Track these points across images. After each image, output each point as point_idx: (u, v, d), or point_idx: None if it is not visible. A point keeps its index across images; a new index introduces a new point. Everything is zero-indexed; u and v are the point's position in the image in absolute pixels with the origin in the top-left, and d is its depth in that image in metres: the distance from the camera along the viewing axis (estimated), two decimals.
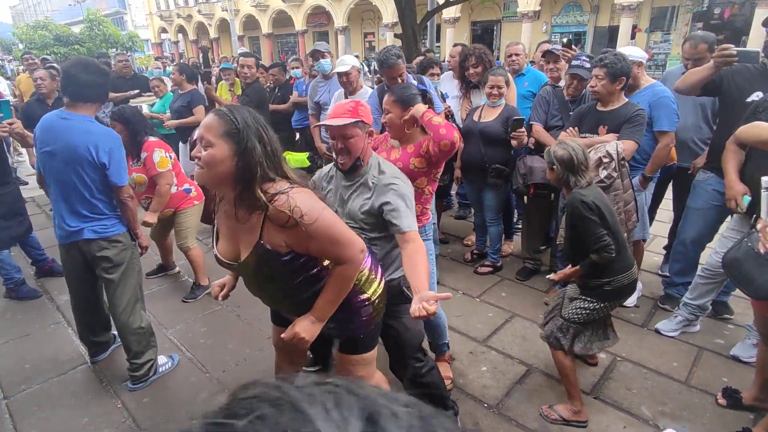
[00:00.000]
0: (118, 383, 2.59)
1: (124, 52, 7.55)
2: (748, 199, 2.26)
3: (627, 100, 2.81)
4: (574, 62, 3.17)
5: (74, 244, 2.39)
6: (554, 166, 2.16)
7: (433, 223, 2.61)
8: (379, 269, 1.79)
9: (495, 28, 24.28)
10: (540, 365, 2.64)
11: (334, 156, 1.88)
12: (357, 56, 8.43)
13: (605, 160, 2.55)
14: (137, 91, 5.50)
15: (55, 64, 7.55)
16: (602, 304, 2.15)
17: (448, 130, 2.09)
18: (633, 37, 19.22)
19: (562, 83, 3.44)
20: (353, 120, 1.78)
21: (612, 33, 20.04)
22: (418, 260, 1.70)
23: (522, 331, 2.95)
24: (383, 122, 2.30)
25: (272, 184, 1.42)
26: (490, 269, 3.68)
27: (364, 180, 1.87)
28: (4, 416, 2.38)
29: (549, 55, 3.54)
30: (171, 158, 3.15)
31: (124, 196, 2.40)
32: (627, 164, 2.71)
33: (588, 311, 2.16)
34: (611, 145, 2.61)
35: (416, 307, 1.50)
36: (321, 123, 1.97)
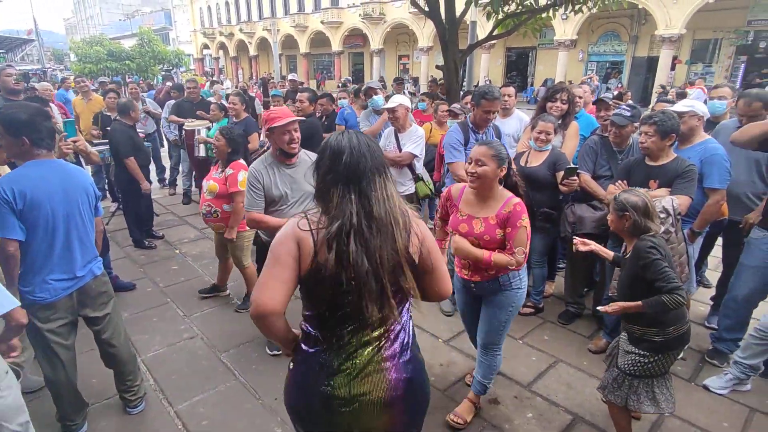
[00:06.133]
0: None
1: (193, 78, 7.96)
2: None
3: (676, 155, 2.85)
4: (615, 111, 3.24)
5: (74, 292, 2.30)
6: (626, 213, 2.16)
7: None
8: None
9: (530, 54, 24.41)
10: (586, 415, 2.66)
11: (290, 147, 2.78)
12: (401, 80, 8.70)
13: (662, 215, 2.59)
14: (193, 119, 5.78)
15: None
16: (655, 357, 2.14)
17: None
18: (673, 68, 18.98)
19: None
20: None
21: (651, 63, 19.87)
22: None
23: (567, 378, 2.97)
24: (472, 172, 2.18)
25: None
26: (532, 310, 3.71)
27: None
28: None
29: (601, 104, 3.61)
30: None
31: (101, 226, 2.56)
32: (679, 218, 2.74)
33: (642, 364, 2.16)
34: (666, 200, 2.65)
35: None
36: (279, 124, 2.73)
